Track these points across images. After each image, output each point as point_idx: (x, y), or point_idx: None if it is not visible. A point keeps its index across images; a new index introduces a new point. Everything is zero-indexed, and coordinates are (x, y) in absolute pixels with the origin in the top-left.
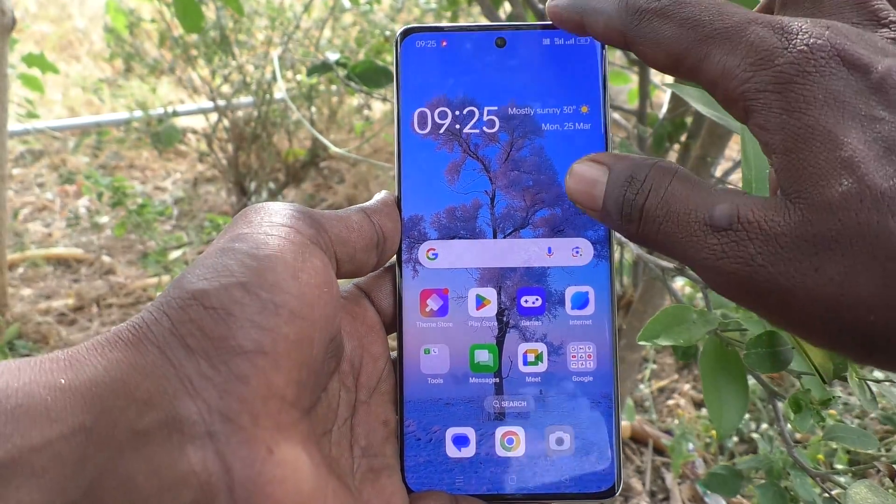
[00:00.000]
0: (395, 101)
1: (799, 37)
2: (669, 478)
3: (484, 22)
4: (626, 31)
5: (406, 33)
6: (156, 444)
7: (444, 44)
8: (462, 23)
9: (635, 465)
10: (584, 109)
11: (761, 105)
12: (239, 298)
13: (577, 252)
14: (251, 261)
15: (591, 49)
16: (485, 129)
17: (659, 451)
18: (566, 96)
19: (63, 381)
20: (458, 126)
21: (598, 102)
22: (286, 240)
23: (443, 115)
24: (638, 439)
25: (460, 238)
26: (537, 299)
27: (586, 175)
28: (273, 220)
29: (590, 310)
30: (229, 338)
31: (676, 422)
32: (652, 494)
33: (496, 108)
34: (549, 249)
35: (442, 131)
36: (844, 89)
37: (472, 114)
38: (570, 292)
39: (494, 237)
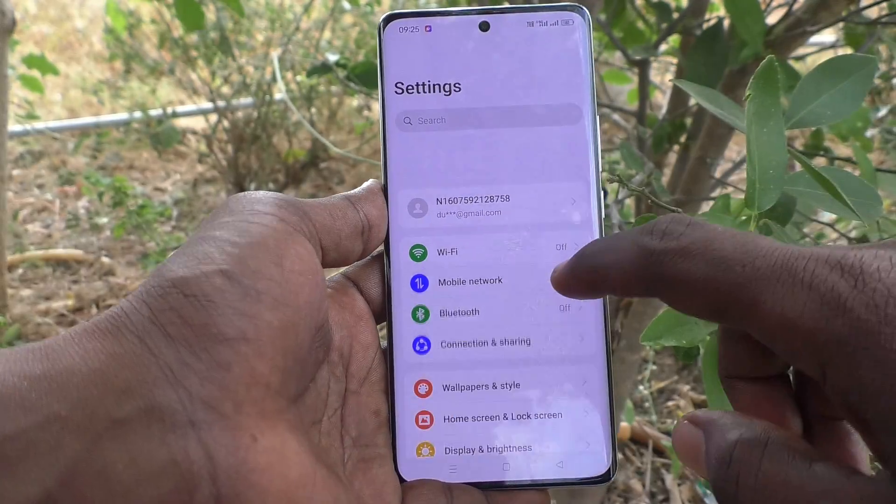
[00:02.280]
0: (379, 87)
1: (864, 273)
2: (669, 479)
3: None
4: (647, 279)
5: (389, 19)
6: (135, 432)
7: (428, 29)
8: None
9: (635, 466)
10: (571, 91)
11: (846, 363)
12: (220, 285)
13: (571, 230)
14: (232, 248)
15: (576, 30)
16: (471, 113)
17: (659, 452)
18: (552, 78)
19: (39, 371)
20: (443, 111)
21: (585, 83)
22: (269, 227)
23: (428, 100)
24: (638, 440)
25: None
26: (528, 282)
27: (686, 440)
28: (255, 207)
29: (582, 303)
30: (210, 325)
31: (676, 423)
32: (652, 495)
33: (482, 91)
34: (539, 228)
35: (428, 116)
36: None
37: (457, 98)
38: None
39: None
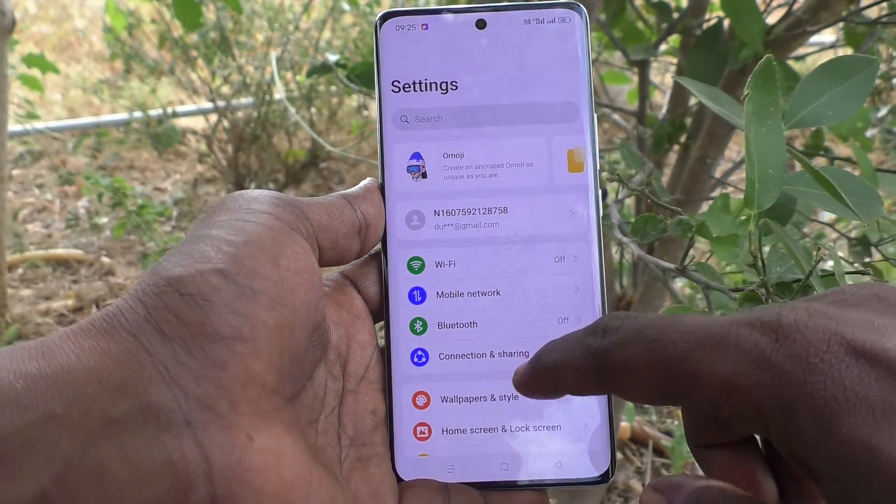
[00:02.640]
0: (376, 85)
1: (782, 327)
2: None
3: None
4: (599, 377)
5: (385, 17)
6: (130, 431)
7: (425, 27)
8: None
9: (635, 466)
10: (568, 88)
11: (782, 419)
12: (216, 284)
13: (570, 227)
14: (228, 247)
15: (573, 28)
16: (467, 111)
17: (659, 452)
18: (549, 75)
19: (34, 369)
20: (440, 109)
21: (582, 80)
22: (265, 226)
23: (425, 99)
24: (638, 440)
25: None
26: (526, 284)
27: None
28: (252, 206)
29: (581, 288)
30: (206, 324)
31: (676, 423)
32: None
33: (479, 89)
34: (536, 230)
35: (424, 115)
36: (864, 381)
37: (454, 96)
38: (558, 277)
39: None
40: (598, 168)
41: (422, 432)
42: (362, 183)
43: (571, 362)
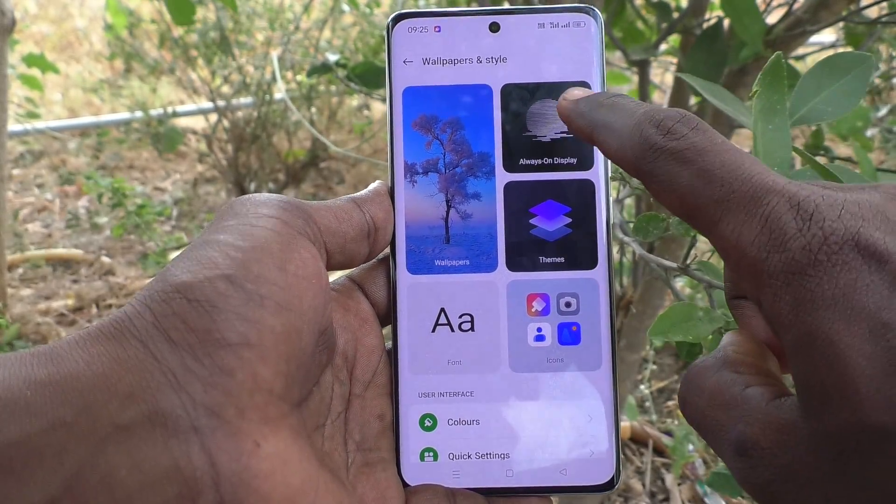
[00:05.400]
0: (387, 87)
1: (814, 217)
2: (669, 478)
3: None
4: (639, 165)
5: (398, 19)
6: (138, 438)
7: (437, 29)
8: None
9: (635, 465)
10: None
11: (772, 295)
12: (223, 291)
13: (579, 234)
14: (236, 252)
15: (586, 32)
16: (479, 115)
17: (659, 451)
18: (562, 80)
19: (43, 376)
20: (451, 112)
21: (596, 85)
22: (272, 231)
23: (437, 102)
24: (638, 440)
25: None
26: (535, 292)
27: None
28: (259, 210)
29: (586, 306)
30: (214, 331)
31: (676, 422)
32: (652, 495)
33: (490, 93)
34: (548, 234)
35: (435, 118)
36: (857, 284)
37: (466, 100)
38: (568, 289)
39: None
40: (609, 172)
41: (428, 424)
42: (371, 186)
43: (620, 137)
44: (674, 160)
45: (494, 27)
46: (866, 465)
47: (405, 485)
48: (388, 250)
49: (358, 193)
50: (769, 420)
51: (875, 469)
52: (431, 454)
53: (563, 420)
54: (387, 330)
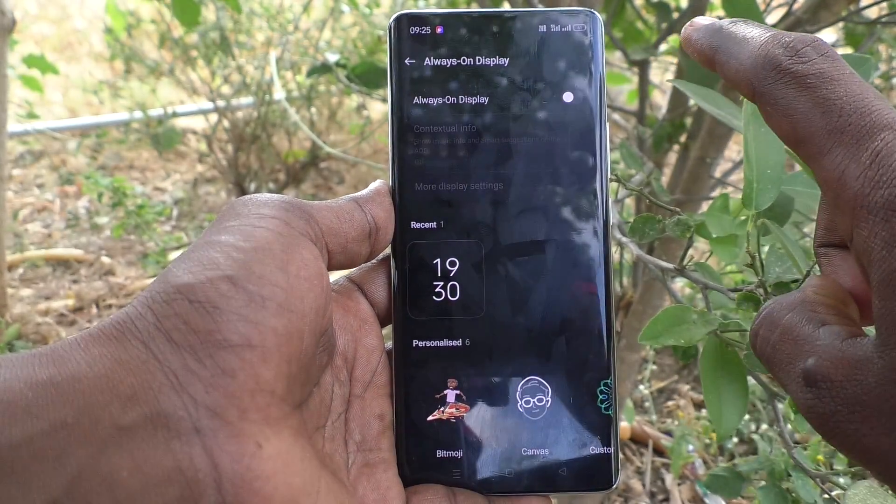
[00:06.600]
0: (389, 88)
1: None
2: (669, 479)
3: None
4: (757, 86)
5: (401, 19)
6: (140, 439)
7: (439, 30)
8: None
9: (635, 465)
10: (581, 94)
11: (868, 230)
12: (225, 292)
13: (578, 236)
14: (238, 253)
15: (587, 35)
16: (480, 115)
17: (659, 452)
18: (562, 82)
19: (45, 377)
20: (453, 113)
21: (595, 87)
22: (274, 231)
23: (438, 103)
24: (638, 440)
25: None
26: (536, 292)
27: None
28: (261, 211)
29: (589, 306)
30: (215, 332)
31: (676, 423)
32: (652, 495)
33: (491, 94)
34: (548, 233)
35: (437, 119)
36: None
37: (467, 100)
38: (571, 288)
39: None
40: (608, 175)
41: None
42: (372, 185)
43: (742, 57)
44: (796, 84)
45: (496, 28)
46: None
47: (406, 485)
48: (388, 250)
49: (359, 193)
50: (843, 356)
51: None
52: (432, 454)
53: (563, 420)
54: (386, 330)
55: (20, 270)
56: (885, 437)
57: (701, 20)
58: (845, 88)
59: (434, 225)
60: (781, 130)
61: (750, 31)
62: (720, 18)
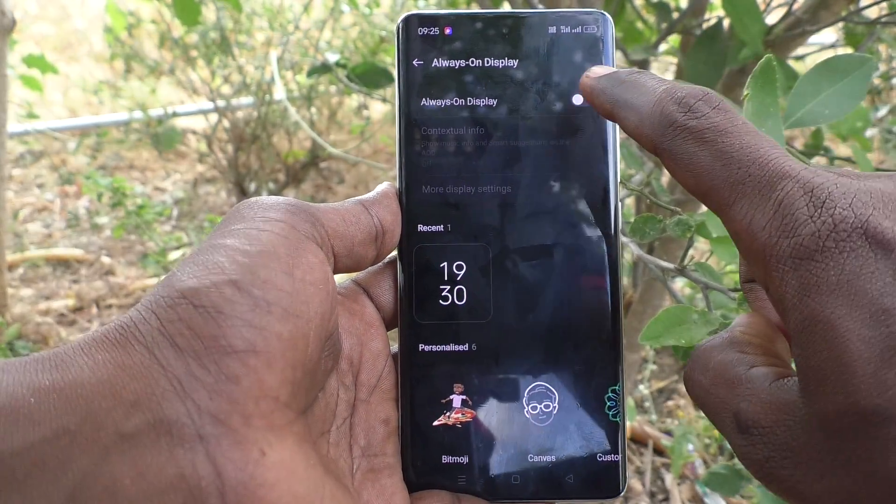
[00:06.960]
0: (396, 89)
1: (826, 205)
2: (669, 478)
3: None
4: (658, 143)
5: (408, 20)
6: (143, 446)
7: (447, 30)
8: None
9: (635, 465)
10: None
11: (779, 279)
12: (230, 296)
13: (586, 241)
14: (243, 257)
15: (596, 36)
16: (489, 117)
17: (659, 451)
18: (571, 84)
19: (47, 382)
20: (461, 115)
21: None
22: (279, 235)
23: (446, 104)
24: (638, 440)
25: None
26: (544, 297)
27: None
28: (266, 214)
29: (597, 312)
30: (220, 337)
31: (676, 422)
32: (652, 495)
33: (500, 96)
34: (557, 237)
35: (445, 121)
36: (862, 271)
37: (476, 102)
38: (577, 290)
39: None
40: (618, 175)
41: (437, 431)
42: (378, 187)
43: (640, 114)
44: (693, 139)
45: (506, 29)
46: (858, 446)
47: (411, 490)
48: (394, 253)
49: (365, 196)
50: (771, 400)
51: (866, 450)
52: (437, 459)
53: (570, 427)
54: (392, 334)
55: (20, 270)
56: (816, 483)
57: (598, 70)
58: (740, 140)
59: (441, 228)
60: (687, 184)
61: (644, 87)
62: (626, 64)
